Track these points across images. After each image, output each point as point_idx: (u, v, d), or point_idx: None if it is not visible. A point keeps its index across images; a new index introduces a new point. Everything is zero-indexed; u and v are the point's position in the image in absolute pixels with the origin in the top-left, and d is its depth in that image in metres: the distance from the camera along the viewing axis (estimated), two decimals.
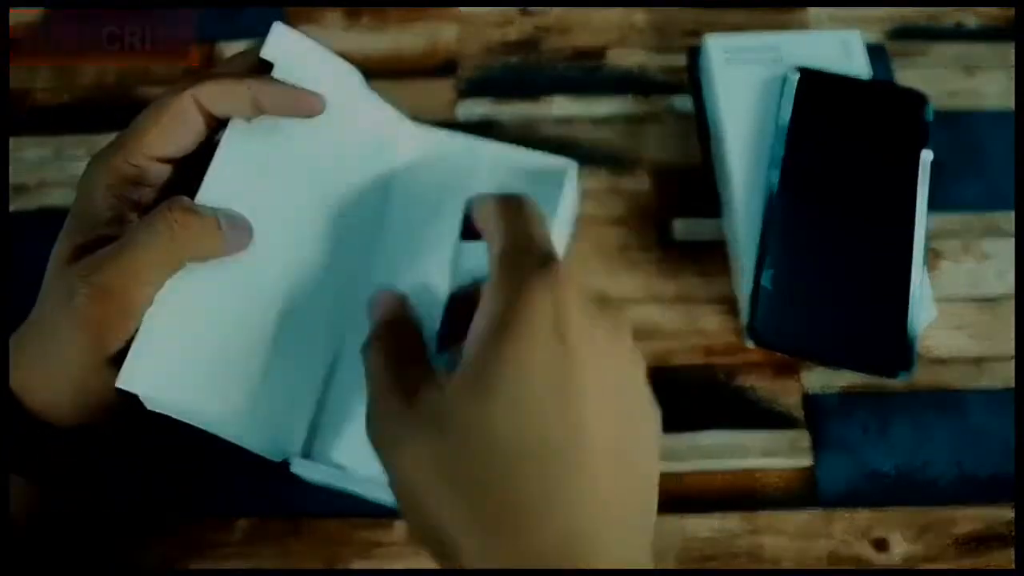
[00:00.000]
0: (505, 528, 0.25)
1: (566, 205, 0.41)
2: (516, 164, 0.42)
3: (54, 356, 0.30)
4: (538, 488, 0.25)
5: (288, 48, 0.35)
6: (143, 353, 0.30)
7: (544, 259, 0.28)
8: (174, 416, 0.32)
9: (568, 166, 0.41)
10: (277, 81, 0.34)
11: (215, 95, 0.33)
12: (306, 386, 0.38)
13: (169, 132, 0.33)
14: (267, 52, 0.35)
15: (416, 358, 0.31)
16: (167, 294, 0.31)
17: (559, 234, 0.38)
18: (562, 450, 0.25)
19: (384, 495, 0.33)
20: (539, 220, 0.30)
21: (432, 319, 0.34)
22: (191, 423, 0.32)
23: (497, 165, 0.42)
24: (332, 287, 0.38)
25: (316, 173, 0.37)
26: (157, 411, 0.31)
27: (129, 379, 0.29)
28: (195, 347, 0.32)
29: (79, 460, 0.33)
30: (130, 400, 0.30)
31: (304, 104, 0.34)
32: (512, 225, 0.29)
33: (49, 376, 0.31)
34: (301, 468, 0.37)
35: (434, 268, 0.39)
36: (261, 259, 0.34)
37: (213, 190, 0.32)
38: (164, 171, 0.33)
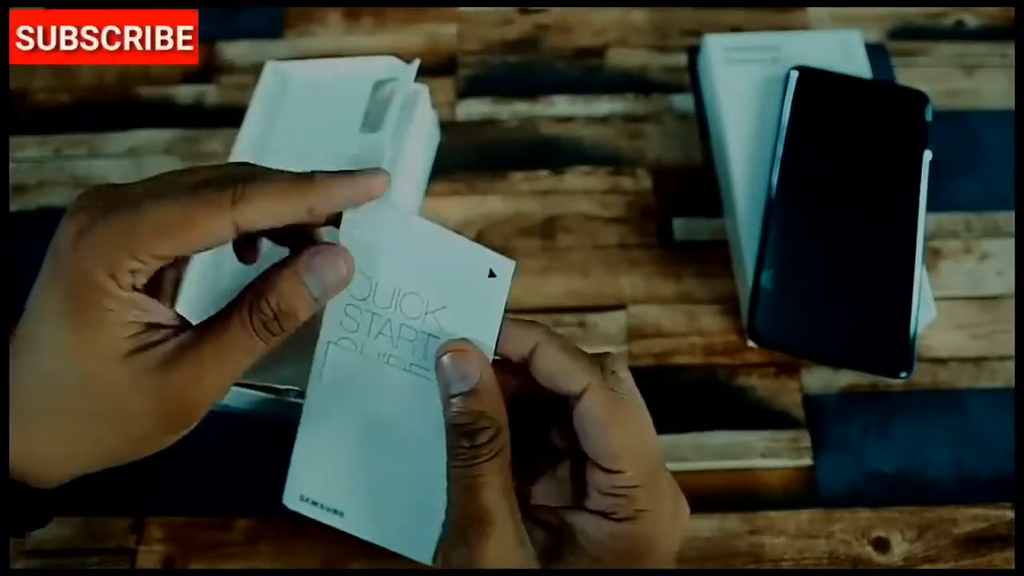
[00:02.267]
0: None
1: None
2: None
3: (101, 437, 0.28)
4: None
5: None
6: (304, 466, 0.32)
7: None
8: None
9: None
10: (332, 174, 0.29)
11: (261, 215, 0.27)
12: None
13: (190, 247, 0.27)
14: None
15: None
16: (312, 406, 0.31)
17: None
18: None
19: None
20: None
21: None
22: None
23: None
24: None
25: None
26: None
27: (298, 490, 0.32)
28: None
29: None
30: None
31: (369, 187, 0.29)
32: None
33: (76, 461, 0.29)
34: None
35: None
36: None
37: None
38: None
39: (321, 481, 0.34)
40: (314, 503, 0.34)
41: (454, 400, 0.29)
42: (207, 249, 0.28)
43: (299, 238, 0.31)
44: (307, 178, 0.28)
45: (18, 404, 0.28)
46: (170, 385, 0.27)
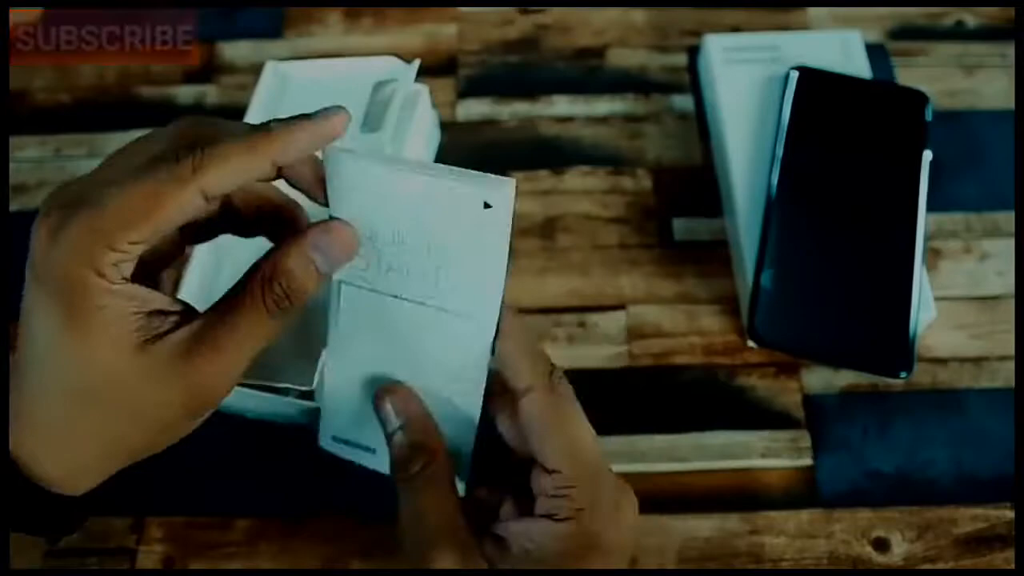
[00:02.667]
0: None
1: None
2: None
3: (109, 428, 0.28)
4: None
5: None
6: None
7: None
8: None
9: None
10: (288, 122, 0.28)
11: (225, 177, 0.26)
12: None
13: (166, 225, 0.26)
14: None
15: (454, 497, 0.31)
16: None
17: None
18: None
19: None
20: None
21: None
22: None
23: None
24: None
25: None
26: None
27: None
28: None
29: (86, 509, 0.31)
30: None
31: (328, 129, 0.28)
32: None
33: (100, 460, 0.29)
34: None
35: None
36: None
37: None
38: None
39: (351, 421, 0.35)
40: (346, 442, 0.36)
41: (393, 436, 0.32)
42: (187, 222, 0.27)
43: (283, 225, 0.31)
44: (264, 130, 0.27)
45: (37, 421, 0.27)
46: (190, 372, 0.27)
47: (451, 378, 0.33)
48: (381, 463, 0.34)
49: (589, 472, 0.30)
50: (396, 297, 0.32)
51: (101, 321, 0.26)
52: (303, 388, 0.35)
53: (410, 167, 0.29)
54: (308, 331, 0.34)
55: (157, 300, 0.27)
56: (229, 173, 0.26)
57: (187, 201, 0.26)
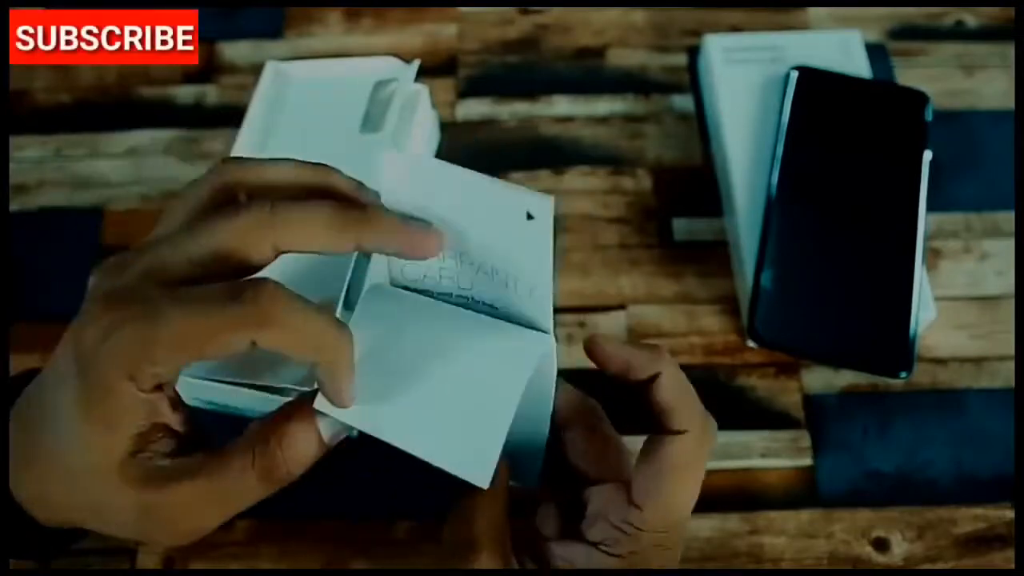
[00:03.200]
0: None
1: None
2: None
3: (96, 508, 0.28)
4: None
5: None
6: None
7: None
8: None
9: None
10: (381, 214, 0.27)
11: (303, 239, 0.26)
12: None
13: (209, 357, 0.26)
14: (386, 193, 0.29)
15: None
16: None
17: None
18: None
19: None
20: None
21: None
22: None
23: None
24: None
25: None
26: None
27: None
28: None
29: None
30: None
31: (419, 245, 0.28)
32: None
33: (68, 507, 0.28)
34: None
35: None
36: None
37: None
38: None
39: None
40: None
41: None
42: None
43: None
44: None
45: (32, 457, 0.27)
46: (156, 505, 0.27)
47: (488, 380, 0.30)
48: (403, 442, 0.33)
49: (670, 524, 0.29)
50: (448, 302, 0.31)
51: (109, 424, 0.26)
52: (302, 389, 0.35)
53: (461, 174, 0.29)
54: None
55: (170, 418, 0.27)
56: (308, 236, 0.26)
57: (239, 346, 0.25)
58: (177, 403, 0.27)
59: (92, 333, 0.25)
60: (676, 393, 0.30)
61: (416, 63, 0.42)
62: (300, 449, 0.28)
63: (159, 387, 0.26)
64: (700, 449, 0.30)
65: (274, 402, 0.38)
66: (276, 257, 0.26)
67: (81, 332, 0.26)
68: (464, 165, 0.28)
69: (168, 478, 0.27)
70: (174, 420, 0.27)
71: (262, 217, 0.26)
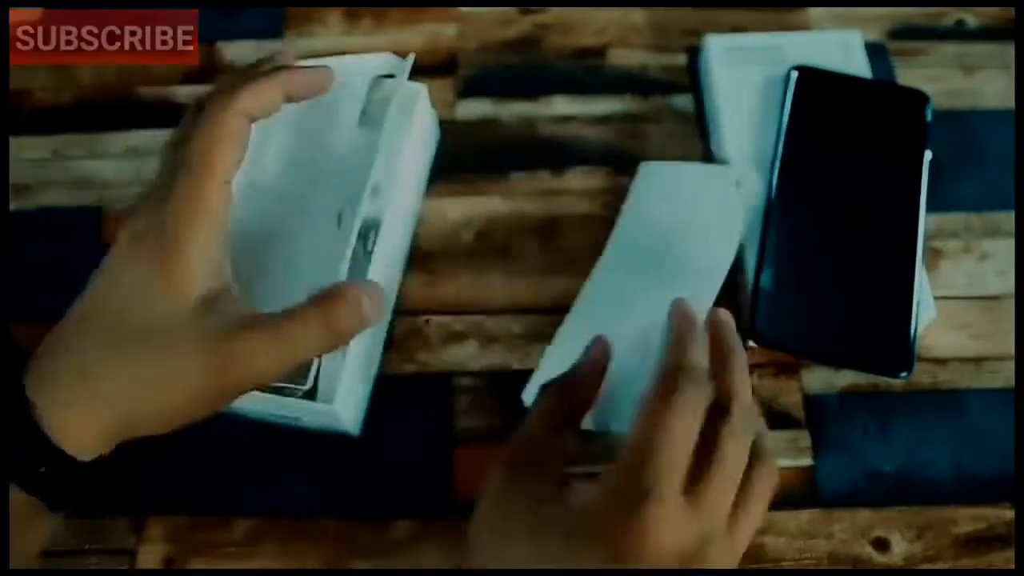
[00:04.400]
0: None
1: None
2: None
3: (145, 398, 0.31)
4: None
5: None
6: None
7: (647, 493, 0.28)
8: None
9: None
10: (298, 68, 0.36)
11: (258, 102, 0.33)
12: None
13: (234, 153, 0.33)
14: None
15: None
16: None
17: None
18: None
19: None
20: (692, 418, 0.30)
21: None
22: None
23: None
24: None
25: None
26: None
27: None
28: None
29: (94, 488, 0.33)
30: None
31: (321, 81, 0.36)
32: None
33: (116, 422, 0.31)
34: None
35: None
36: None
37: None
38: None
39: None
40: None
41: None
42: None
43: None
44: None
45: (71, 366, 0.30)
46: (236, 345, 0.30)
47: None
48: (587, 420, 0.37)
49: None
50: (645, 280, 0.40)
51: (189, 272, 0.30)
52: (301, 388, 0.35)
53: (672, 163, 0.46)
54: None
55: (232, 284, 0.32)
56: (259, 97, 0.33)
57: (238, 125, 0.33)
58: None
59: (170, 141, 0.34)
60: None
61: (411, 57, 0.41)
62: (363, 306, 0.31)
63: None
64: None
65: (273, 401, 0.38)
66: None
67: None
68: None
69: (242, 325, 0.30)
70: (236, 289, 0.32)
71: (218, 94, 0.33)
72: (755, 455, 0.31)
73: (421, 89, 0.45)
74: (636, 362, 0.35)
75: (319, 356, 0.35)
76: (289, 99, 0.35)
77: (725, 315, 0.36)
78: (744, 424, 0.31)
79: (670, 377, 0.30)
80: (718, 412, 0.30)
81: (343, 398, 0.37)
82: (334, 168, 0.40)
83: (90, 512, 0.40)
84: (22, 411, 0.29)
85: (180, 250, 0.30)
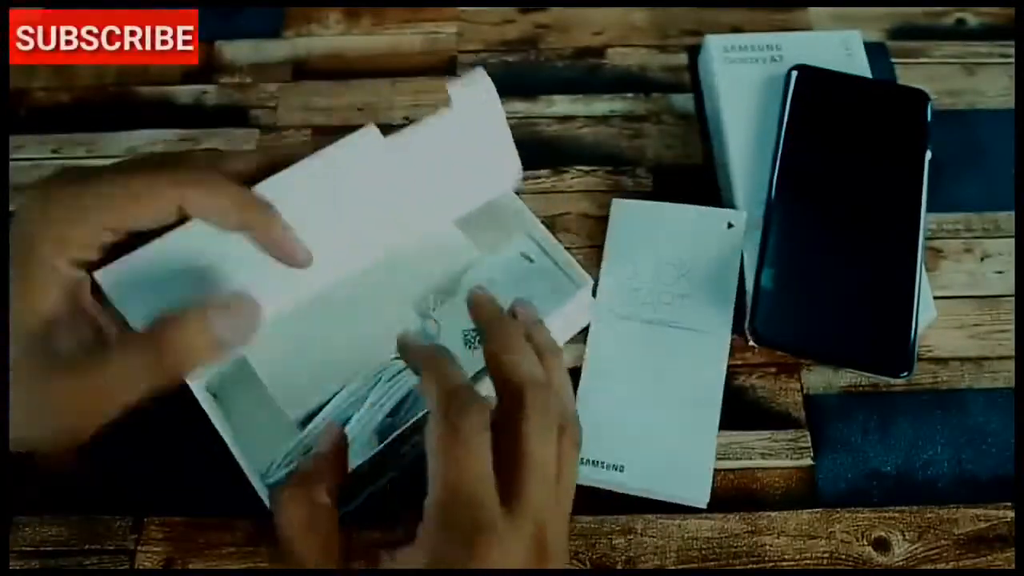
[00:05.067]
0: None
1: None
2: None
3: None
4: None
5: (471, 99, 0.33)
6: None
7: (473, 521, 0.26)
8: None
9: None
10: (272, 216, 0.30)
11: (202, 205, 0.29)
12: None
13: (135, 220, 0.28)
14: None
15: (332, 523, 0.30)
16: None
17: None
18: None
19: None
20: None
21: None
22: None
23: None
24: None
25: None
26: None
27: None
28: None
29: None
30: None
31: (288, 254, 0.31)
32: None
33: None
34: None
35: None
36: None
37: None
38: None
39: (601, 440, 0.39)
40: (595, 463, 0.40)
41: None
42: (158, 227, 0.29)
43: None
44: (252, 203, 0.29)
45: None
46: (43, 390, 0.27)
47: (692, 393, 0.40)
48: (629, 479, 0.39)
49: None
50: (650, 323, 0.41)
51: (32, 294, 0.27)
52: (294, 455, 0.36)
53: (660, 205, 0.44)
54: (273, 405, 0.37)
55: (91, 307, 0.29)
56: (207, 203, 0.29)
57: (163, 206, 0.28)
58: (100, 299, 0.29)
59: (29, 208, 0.28)
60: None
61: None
62: (189, 342, 0.28)
63: (86, 265, 0.28)
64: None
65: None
66: (181, 217, 0.29)
67: (19, 210, 0.28)
68: None
69: (63, 364, 0.28)
70: (95, 310, 0.29)
71: (176, 173, 0.29)
72: (560, 428, 0.29)
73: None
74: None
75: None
76: (241, 230, 0.30)
77: (480, 295, 0.33)
78: (541, 407, 0.29)
79: (444, 409, 0.28)
80: (514, 405, 0.29)
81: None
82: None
83: (90, 512, 0.40)
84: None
85: (28, 263, 0.28)
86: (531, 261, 0.41)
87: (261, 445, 0.36)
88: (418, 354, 0.31)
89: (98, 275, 0.28)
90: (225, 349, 0.29)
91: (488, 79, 0.33)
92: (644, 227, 0.44)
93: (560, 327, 0.41)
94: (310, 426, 0.36)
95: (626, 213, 0.45)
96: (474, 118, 0.34)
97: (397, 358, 0.36)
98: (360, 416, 0.36)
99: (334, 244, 0.33)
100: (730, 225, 0.44)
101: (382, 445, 0.35)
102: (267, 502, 0.35)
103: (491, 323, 0.32)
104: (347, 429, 0.34)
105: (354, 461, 0.34)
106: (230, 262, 0.31)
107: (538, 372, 0.30)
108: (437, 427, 0.28)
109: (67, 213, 0.27)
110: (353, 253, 0.34)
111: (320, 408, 0.37)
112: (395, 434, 0.35)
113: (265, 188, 0.30)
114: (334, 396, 0.37)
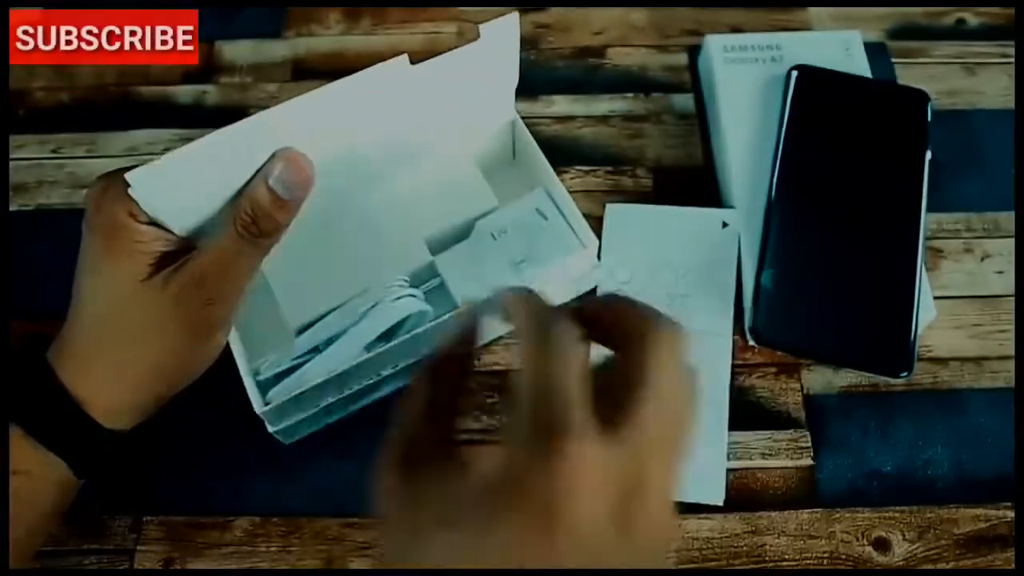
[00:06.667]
0: None
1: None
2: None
3: (143, 363, 0.34)
4: None
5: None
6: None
7: (550, 432, 0.22)
8: None
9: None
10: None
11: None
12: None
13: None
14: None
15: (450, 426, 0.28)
16: None
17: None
18: None
19: None
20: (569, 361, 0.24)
21: None
22: None
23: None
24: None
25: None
26: None
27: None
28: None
29: (118, 457, 0.37)
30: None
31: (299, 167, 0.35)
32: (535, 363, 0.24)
33: (128, 382, 0.35)
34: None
35: None
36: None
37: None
38: None
39: None
40: None
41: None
42: None
43: None
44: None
45: (80, 352, 0.34)
46: (180, 295, 0.33)
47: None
48: None
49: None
50: None
51: (128, 253, 0.33)
52: (287, 359, 0.39)
53: (654, 208, 0.45)
54: (278, 310, 0.40)
55: (172, 242, 0.33)
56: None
57: None
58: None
59: (94, 196, 0.33)
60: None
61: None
62: (263, 206, 0.33)
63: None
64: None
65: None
66: None
67: (88, 196, 0.34)
68: None
69: (180, 269, 0.33)
70: (177, 243, 0.34)
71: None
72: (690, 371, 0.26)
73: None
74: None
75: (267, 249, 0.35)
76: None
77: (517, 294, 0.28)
78: (669, 340, 0.25)
79: (532, 324, 0.25)
80: (635, 340, 0.25)
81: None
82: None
83: (90, 512, 0.40)
84: (47, 377, 0.33)
85: (118, 233, 0.33)
86: (545, 219, 0.42)
87: (259, 346, 0.40)
88: (506, 299, 0.27)
89: (129, 177, 0.31)
90: (293, 203, 0.34)
91: (518, 25, 0.36)
92: (639, 230, 0.45)
93: (562, 286, 0.43)
94: (306, 333, 0.40)
95: (620, 217, 0.45)
96: (495, 54, 0.37)
97: (399, 284, 0.40)
98: (354, 330, 0.39)
99: (355, 163, 0.37)
100: (725, 224, 0.44)
101: (367, 356, 0.38)
102: (256, 403, 0.37)
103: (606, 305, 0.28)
104: (339, 340, 0.39)
105: (339, 367, 0.37)
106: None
107: (661, 314, 0.26)
108: (525, 340, 0.25)
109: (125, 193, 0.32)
110: (374, 170, 0.39)
111: (319, 320, 0.40)
112: (382, 347, 0.38)
113: (294, 107, 0.33)
114: (333, 311, 0.40)
